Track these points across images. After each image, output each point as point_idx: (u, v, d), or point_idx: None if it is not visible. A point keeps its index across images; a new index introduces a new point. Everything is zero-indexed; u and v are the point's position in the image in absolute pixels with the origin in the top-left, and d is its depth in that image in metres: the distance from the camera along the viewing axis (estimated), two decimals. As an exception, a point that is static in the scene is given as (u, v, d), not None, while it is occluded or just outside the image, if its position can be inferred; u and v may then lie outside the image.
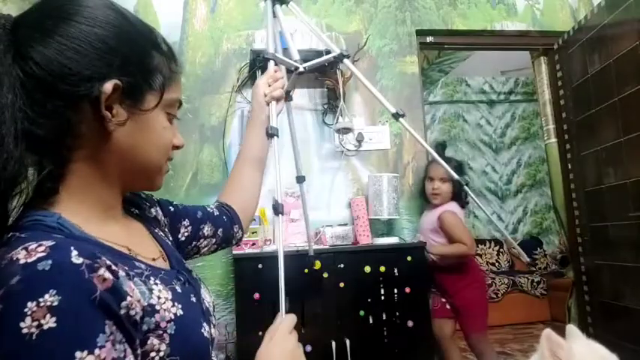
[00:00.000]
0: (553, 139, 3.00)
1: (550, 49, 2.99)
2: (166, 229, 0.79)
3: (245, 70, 2.54)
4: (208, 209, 0.90)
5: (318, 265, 2.05)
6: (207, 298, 0.70)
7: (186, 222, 0.84)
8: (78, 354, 0.42)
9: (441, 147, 2.56)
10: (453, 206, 2.37)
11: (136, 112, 0.57)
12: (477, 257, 4.73)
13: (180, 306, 0.57)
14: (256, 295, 1.96)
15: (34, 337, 0.41)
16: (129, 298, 0.49)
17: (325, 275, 2.06)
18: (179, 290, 0.60)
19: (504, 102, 5.51)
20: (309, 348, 1.98)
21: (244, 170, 0.98)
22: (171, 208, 0.83)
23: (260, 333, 2.00)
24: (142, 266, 0.58)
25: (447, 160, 2.43)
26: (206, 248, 0.89)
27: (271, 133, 0.94)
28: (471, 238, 2.34)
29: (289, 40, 1.19)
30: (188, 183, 2.44)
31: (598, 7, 2.56)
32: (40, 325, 0.41)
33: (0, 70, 0.50)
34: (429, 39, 2.85)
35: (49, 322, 0.42)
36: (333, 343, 1.99)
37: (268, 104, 0.99)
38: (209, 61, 2.56)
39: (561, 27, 2.94)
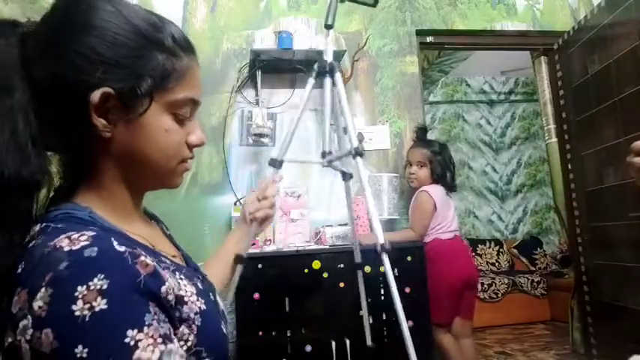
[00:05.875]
0: (554, 139, 3.00)
1: (550, 49, 2.99)
2: None
3: (245, 70, 2.54)
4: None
5: (318, 265, 2.05)
6: (220, 302, 0.72)
7: None
8: (129, 332, 0.45)
9: (420, 131, 2.50)
10: (431, 188, 2.34)
11: (129, 118, 0.56)
12: (477, 257, 4.74)
13: (203, 301, 0.58)
14: (256, 295, 1.96)
15: (87, 318, 0.43)
16: (167, 284, 0.52)
17: (325, 275, 2.06)
18: (200, 287, 0.62)
19: (504, 102, 5.51)
20: (309, 348, 1.98)
21: (220, 266, 0.95)
22: None
23: (260, 333, 2.01)
24: (167, 261, 0.60)
25: (428, 143, 2.44)
26: None
27: (238, 261, 0.89)
28: (424, 225, 2.29)
29: None
30: (188, 183, 2.44)
31: (598, 7, 2.56)
32: (92, 307, 0.43)
33: (8, 76, 0.52)
34: (429, 39, 2.85)
35: (101, 303, 0.44)
36: (333, 343, 1.99)
37: (251, 222, 0.93)
38: (209, 61, 2.56)
39: (561, 27, 2.94)
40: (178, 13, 2.59)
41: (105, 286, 0.44)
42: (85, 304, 0.43)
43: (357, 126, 2.57)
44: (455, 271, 2.28)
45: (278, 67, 2.46)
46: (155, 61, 0.56)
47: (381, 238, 1.36)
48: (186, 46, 0.60)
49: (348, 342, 2.00)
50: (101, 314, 0.44)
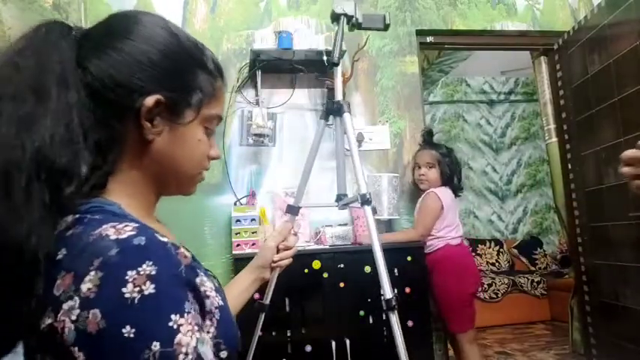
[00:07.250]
0: (554, 139, 3.00)
1: (550, 49, 2.99)
2: None
3: (245, 70, 2.54)
4: None
5: (318, 265, 2.05)
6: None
7: None
8: (173, 317, 0.48)
9: (427, 134, 2.52)
10: (440, 190, 2.35)
11: (174, 125, 0.62)
12: (477, 257, 4.74)
13: (219, 298, 0.61)
14: (256, 295, 1.96)
15: (136, 300, 0.47)
16: (200, 276, 0.56)
17: (325, 275, 2.06)
18: (216, 285, 0.65)
19: (504, 102, 5.51)
20: (309, 348, 1.98)
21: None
22: None
23: (260, 333, 2.01)
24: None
25: (436, 145, 2.46)
26: None
27: (259, 309, 0.93)
28: (427, 225, 2.29)
29: None
30: (188, 183, 2.44)
31: (598, 7, 2.56)
32: (141, 291, 0.47)
33: (67, 73, 0.56)
34: (429, 39, 2.85)
35: (149, 288, 0.47)
36: (333, 343, 1.99)
37: (272, 270, 1.02)
38: (209, 61, 2.56)
39: (561, 27, 2.94)
40: (178, 13, 2.59)
41: (153, 272, 0.48)
42: (135, 287, 0.47)
43: (357, 126, 2.56)
44: (469, 279, 2.31)
45: (278, 67, 2.46)
46: (200, 77, 0.64)
47: (388, 292, 1.31)
48: (220, 70, 0.69)
49: (348, 342, 2.00)
50: (149, 298, 0.47)
